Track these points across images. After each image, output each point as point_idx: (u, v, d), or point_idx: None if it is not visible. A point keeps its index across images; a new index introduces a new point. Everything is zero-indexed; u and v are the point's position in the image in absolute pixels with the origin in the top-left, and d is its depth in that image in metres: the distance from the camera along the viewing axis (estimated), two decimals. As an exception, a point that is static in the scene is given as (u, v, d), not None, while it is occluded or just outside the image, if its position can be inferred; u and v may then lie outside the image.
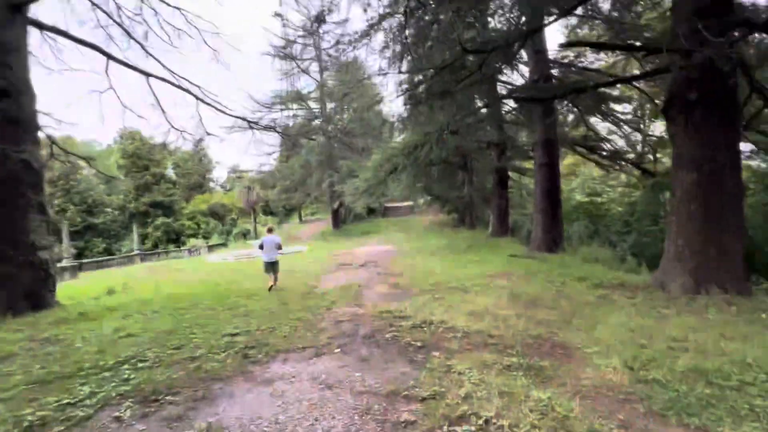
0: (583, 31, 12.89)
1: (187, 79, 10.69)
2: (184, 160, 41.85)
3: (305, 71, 32.64)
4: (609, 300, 5.59)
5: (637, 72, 8.71)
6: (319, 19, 31.30)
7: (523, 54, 13.79)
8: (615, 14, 8.63)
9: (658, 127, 20.39)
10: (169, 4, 10.36)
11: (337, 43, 31.75)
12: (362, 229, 31.76)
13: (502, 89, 16.88)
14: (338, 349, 3.90)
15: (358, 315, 5.34)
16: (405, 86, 14.08)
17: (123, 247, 31.86)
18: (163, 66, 10.47)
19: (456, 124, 13.18)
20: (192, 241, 29.88)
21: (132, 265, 22.09)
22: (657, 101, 13.83)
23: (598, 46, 6.88)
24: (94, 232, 33.32)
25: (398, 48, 11.78)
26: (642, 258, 11.36)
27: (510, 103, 19.58)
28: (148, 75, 9.95)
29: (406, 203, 41.91)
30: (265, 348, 4.02)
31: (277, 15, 29.06)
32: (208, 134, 12.33)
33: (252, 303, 6.79)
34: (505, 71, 12.60)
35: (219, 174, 56.29)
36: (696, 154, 5.99)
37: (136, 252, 24.95)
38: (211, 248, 28.74)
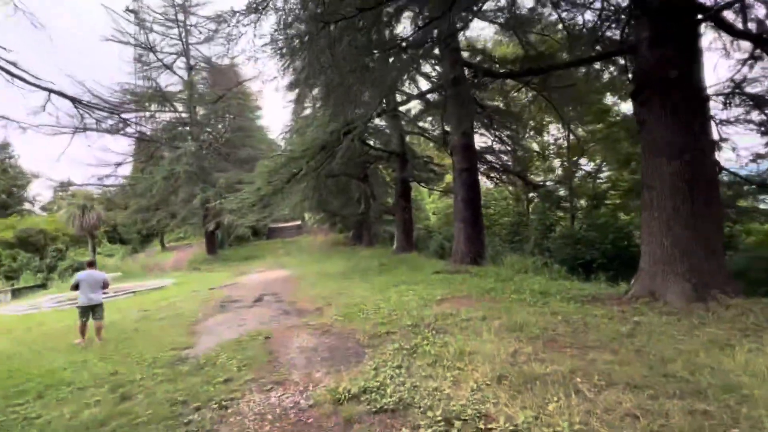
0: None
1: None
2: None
3: (169, 67, 27.15)
4: (634, 323, 4.19)
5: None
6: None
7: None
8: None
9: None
10: None
11: (210, 38, 27.62)
12: (245, 253, 27.18)
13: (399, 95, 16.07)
14: None
15: (294, 415, 2.68)
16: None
17: None
18: None
19: (363, 120, 11.40)
20: (-17, 285, 20.65)
21: None
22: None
23: None
24: None
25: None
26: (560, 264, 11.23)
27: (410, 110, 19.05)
28: None
29: (292, 223, 38.42)
30: None
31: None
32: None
33: (54, 402, 3.36)
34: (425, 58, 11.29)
35: (39, 191, 42.77)
36: (676, 140, 5.25)
37: None
38: (17, 292, 20.35)
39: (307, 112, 26.17)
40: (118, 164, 25.44)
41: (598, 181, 19.36)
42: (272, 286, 11.49)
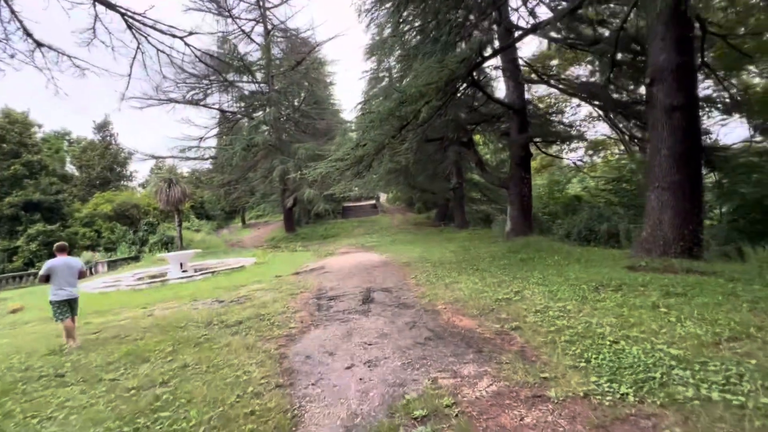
0: None
1: None
2: (83, 149, 31.96)
3: (247, 34, 25.76)
4: None
5: None
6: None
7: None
8: None
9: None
10: None
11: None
12: (322, 232, 25.38)
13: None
14: None
15: None
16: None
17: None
18: None
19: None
20: (86, 255, 21.35)
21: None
22: None
23: None
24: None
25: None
26: None
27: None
28: None
29: (367, 202, 36.22)
30: None
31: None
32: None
33: None
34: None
35: (137, 168, 45.71)
36: None
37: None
38: (113, 264, 20.61)
39: (383, 84, 23.23)
40: (201, 138, 24.94)
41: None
42: (372, 275, 8.66)
